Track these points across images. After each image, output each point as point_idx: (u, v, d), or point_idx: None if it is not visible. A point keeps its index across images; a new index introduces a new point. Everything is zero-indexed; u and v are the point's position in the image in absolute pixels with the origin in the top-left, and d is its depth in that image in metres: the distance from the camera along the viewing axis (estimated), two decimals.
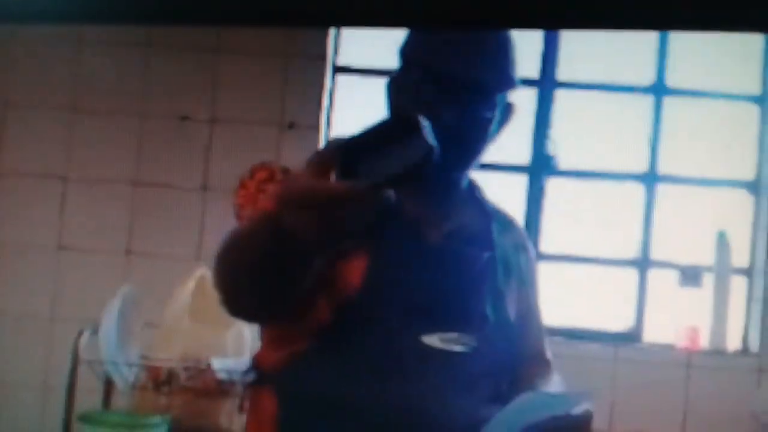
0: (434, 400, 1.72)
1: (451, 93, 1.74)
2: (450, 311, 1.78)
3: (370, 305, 1.73)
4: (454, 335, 1.75)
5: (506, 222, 1.92)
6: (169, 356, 3.16)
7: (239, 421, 3.17)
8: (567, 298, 4.00)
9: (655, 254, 4.01)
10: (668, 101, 3.97)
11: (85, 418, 2.99)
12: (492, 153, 1.88)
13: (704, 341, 3.91)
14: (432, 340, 1.75)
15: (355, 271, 1.73)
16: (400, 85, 1.79)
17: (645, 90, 3.99)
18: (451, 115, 1.71)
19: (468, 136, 1.77)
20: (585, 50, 3.98)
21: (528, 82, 3.94)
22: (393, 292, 1.75)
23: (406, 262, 1.77)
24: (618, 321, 3.95)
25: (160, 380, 3.18)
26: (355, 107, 4.17)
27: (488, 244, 1.84)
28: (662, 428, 3.74)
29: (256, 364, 1.88)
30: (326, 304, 1.73)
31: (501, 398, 1.75)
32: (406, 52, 1.80)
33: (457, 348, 1.74)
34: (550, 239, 4.00)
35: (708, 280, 3.93)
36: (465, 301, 1.79)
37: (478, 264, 1.81)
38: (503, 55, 1.78)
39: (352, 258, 1.72)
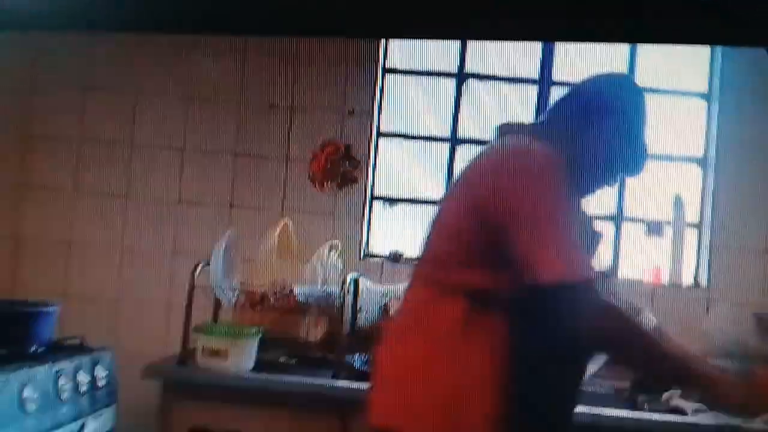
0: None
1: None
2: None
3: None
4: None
5: None
6: (261, 283, 3.46)
7: (313, 332, 3.58)
8: None
9: (628, 212, 4.16)
10: None
11: (199, 329, 3.34)
12: None
13: (665, 278, 4.11)
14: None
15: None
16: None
17: None
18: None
19: None
20: None
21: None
22: None
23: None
24: (599, 263, 3.99)
25: (255, 301, 3.48)
26: (399, 98, 4.27)
27: None
28: None
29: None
30: None
31: None
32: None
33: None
34: None
35: (668, 231, 4.11)
36: None
37: None
38: None
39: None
